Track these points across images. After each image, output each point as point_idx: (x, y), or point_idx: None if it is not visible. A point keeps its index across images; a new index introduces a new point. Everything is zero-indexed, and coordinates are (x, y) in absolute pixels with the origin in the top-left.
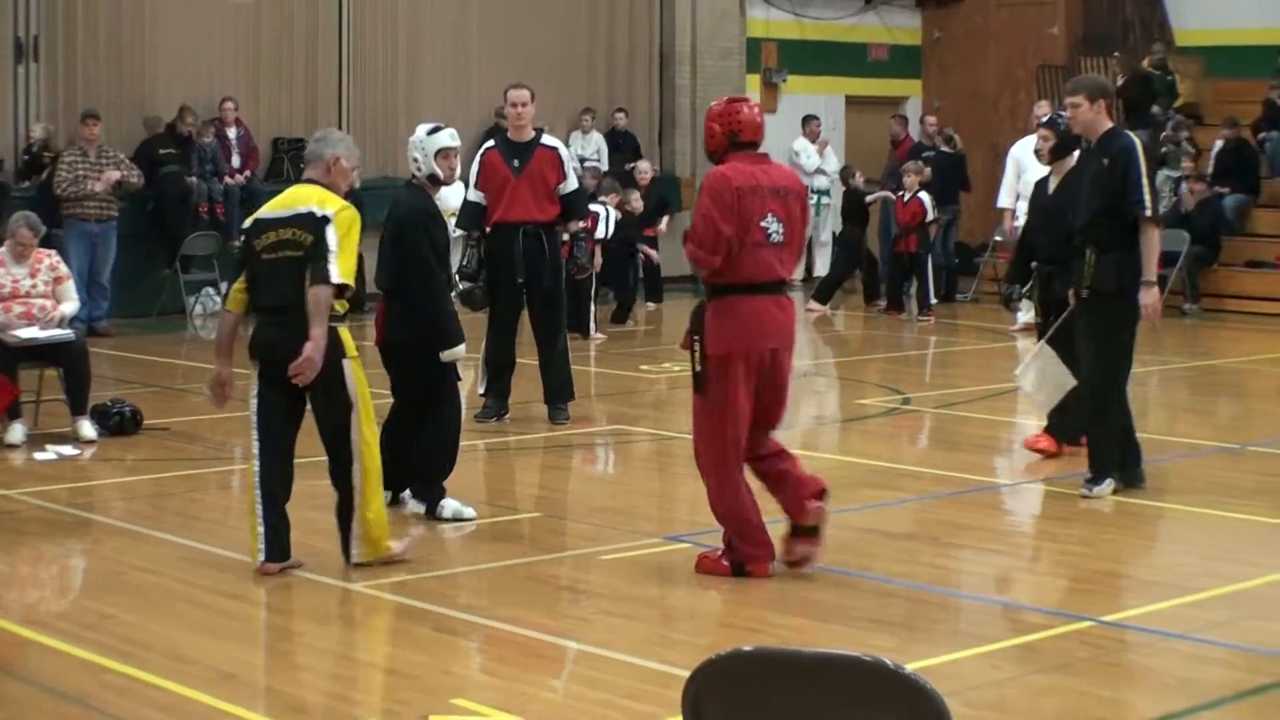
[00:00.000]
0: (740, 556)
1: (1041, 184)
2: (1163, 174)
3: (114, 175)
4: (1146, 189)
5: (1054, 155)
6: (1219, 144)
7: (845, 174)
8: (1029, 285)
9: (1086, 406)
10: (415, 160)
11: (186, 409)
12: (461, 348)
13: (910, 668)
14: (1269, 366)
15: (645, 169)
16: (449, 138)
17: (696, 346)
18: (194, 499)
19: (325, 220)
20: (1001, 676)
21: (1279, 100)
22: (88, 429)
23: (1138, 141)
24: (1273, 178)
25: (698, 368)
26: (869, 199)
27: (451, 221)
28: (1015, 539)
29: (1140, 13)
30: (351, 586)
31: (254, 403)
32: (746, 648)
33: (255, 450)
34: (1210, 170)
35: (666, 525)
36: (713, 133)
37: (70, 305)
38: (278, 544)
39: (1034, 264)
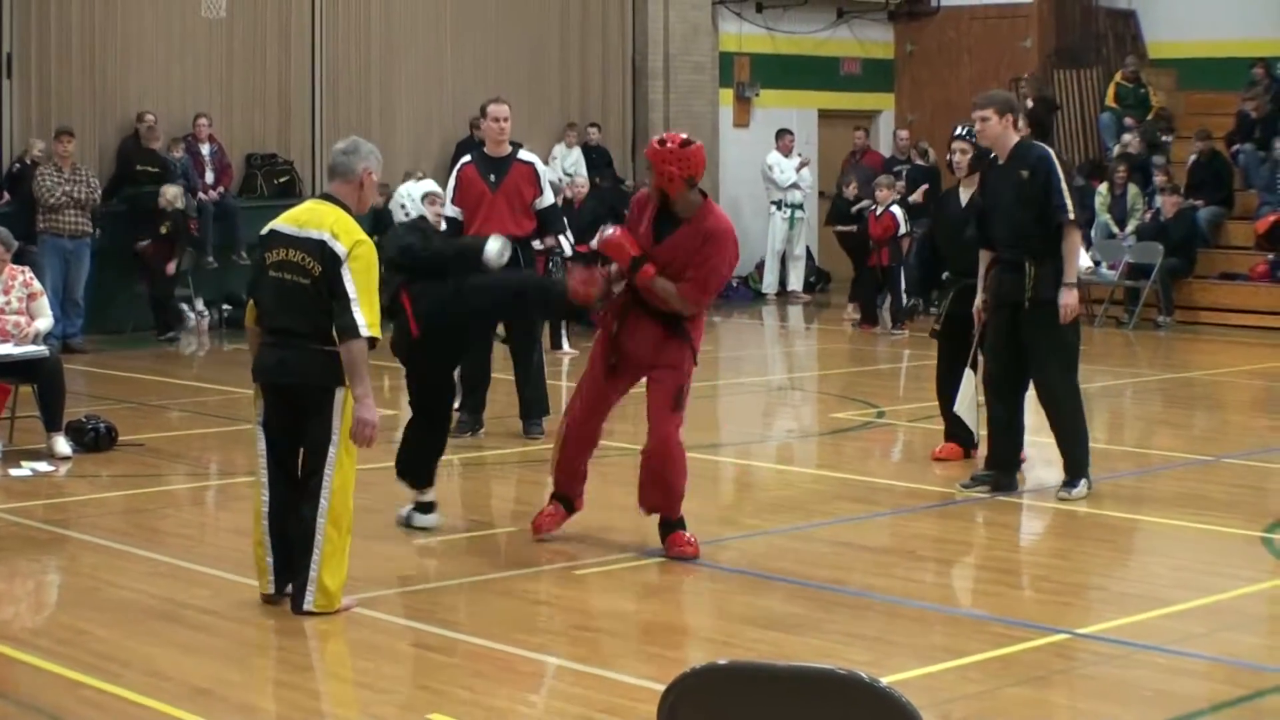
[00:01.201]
0: None
1: (949, 196)
2: (1133, 189)
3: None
4: (1067, 194)
5: (972, 168)
6: (1192, 157)
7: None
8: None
9: (1052, 413)
10: (403, 208)
11: (162, 425)
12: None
13: (885, 681)
14: (1243, 378)
15: (581, 182)
16: (433, 184)
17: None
18: (169, 515)
19: (338, 260)
20: (977, 689)
21: (1251, 112)
22: (62, 445)
23: (1050, 150)
24: (1246, 190)
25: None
26: (855, 209)
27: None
28: (990, 552)
29: (1113, 25)
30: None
31: (258, 426)
32: (722, 661)
33: (263, 480)
34: (1184, 183)
35: (643, 540)
36: (672, 176)
37: (44, 321)
38: (287, 578)
39: (945, 275)
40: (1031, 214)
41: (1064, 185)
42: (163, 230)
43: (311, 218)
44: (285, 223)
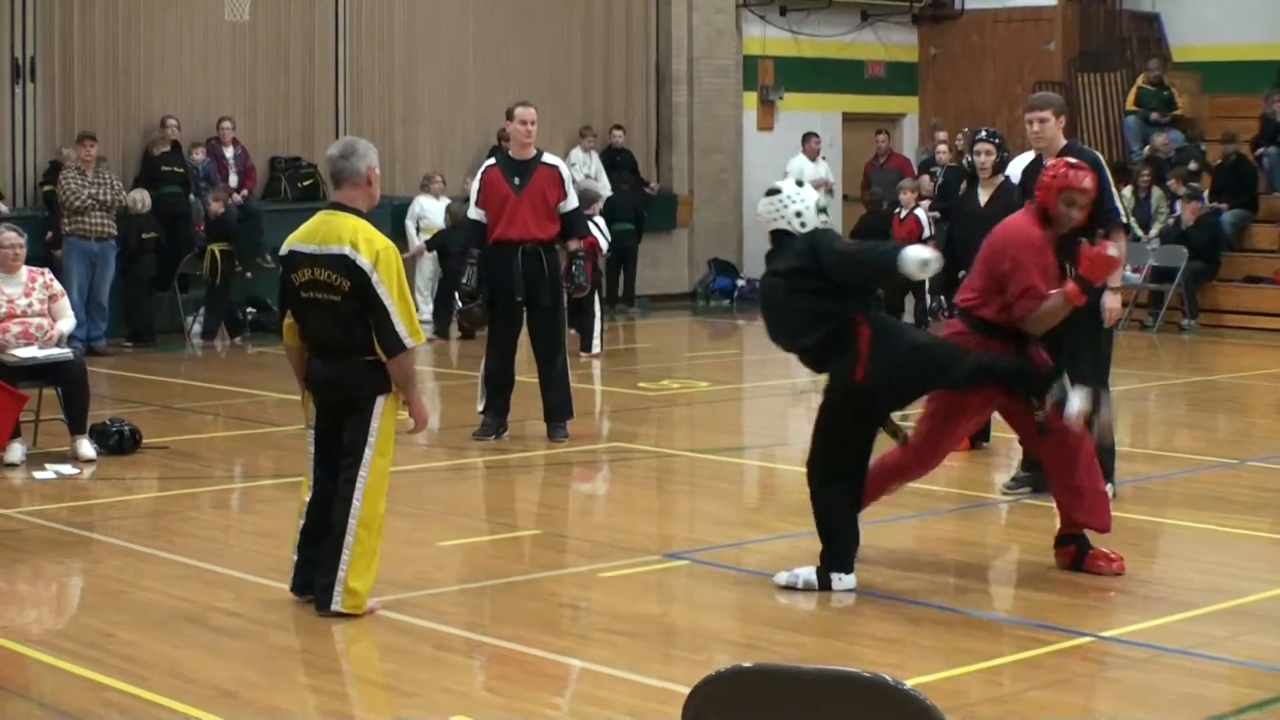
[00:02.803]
0: None
1: (970, 195)
2: (1157, 192)
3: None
4: (1118, 197)
5: (996, 169)
6: (1217, 160)
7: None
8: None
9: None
10: (799, 216)
11: (185, 428)
12: None
13: (910, 684)
14: (1267, 382)
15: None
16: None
17: None
18: (193, 518)
19: (366, 273)
20: (1002, 692)
21: (1276, 115)
22: (87, 448)
23: (1098, 153)
24: (1270, 193)
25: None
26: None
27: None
28: (1014, 555)
29: (1137, 29)
30: None
31: (310, 432)
32: (746, 664)
33: (310, 482)
34: (1208, 186)
35: (666, 543)
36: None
37: (66, 323)
38: (304, 579)
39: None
40: None
41: (1114, 189)
42: (144, 237)
43: (329, 232)
44: (302, 241)
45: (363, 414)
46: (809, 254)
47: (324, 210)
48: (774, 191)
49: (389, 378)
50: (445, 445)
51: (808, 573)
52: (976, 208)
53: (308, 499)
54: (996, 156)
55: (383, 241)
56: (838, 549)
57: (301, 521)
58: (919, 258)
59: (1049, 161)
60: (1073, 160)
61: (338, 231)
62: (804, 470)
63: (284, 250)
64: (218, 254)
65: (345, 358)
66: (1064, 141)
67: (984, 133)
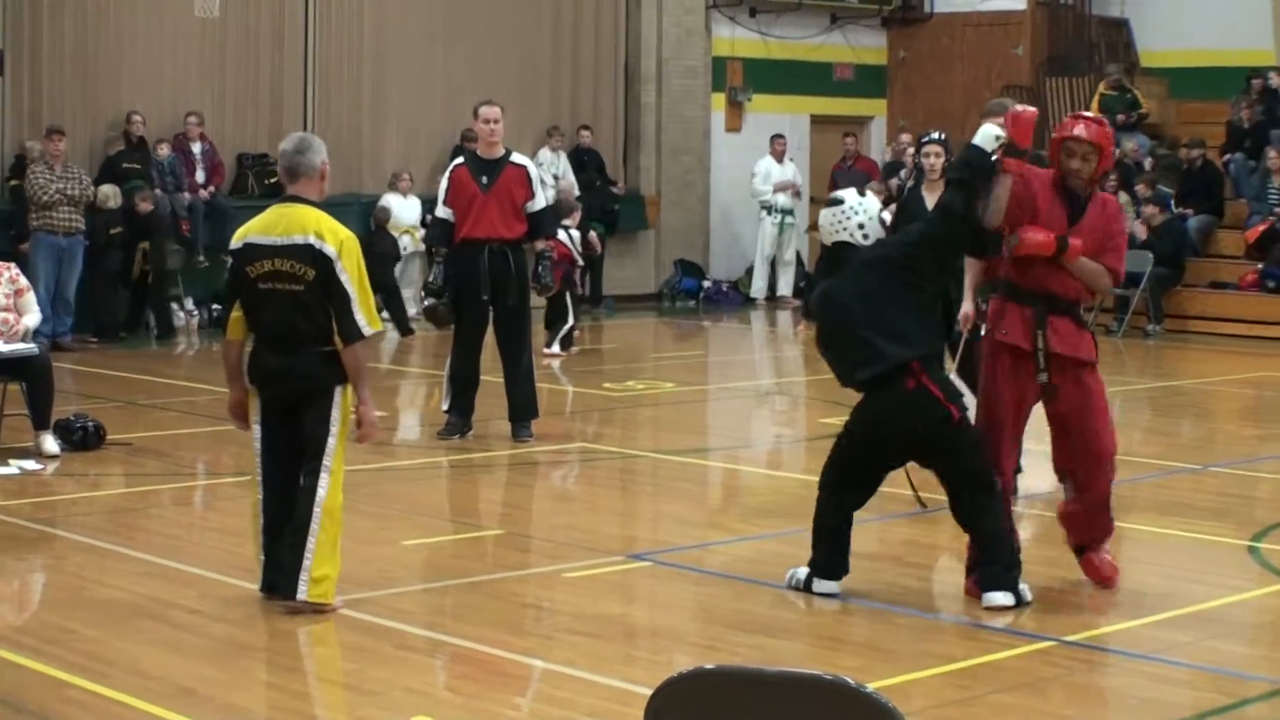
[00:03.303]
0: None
1: (913, 199)
2: (1124, 197)
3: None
4: None
5: (944, 172)
6: (1184, 165)
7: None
8: None
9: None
10: (862, 228)
11: (149, 424)
12: None
13: (872, 687)
14: (1231, 387)
15: (565, 186)
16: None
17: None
18: (156, 515)
19: (330, 261)
20: (965, 696)
21: (1243, 122)
22: (50, 444)
23: None
24: (1236, 199)
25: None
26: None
27: (405, 238)
28: None
29: (1106, 34)
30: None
31: (256, 429)
32: (708, 666)
33: (259, 479)
34: (1174, 191)
35: (629, 544)
36: (1108, 155)
37: (32, 318)
38: (274, 578)
39: None
40: None
41: None
42: (111, 232)
43: (290, 223)
44: (259, 233)
45: (322, 404)
46: (882, 264)
47: (279, 204)
48: (836, 202)
49: (340, 368)
50: (410, 444)
51: (803, 571)
52: (922, 211)
53: (261, 496)
54: (945, 159)
55: (345, 231)
56: (820, 555)
57: (261, 520)
58: (991, 133)
59: None
60: (1080, 113)
61: (300, 222)
62: (768, 472)
63: (237, 244)
64: (145, 252)
65: (303, 348)
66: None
67: (933, 135)
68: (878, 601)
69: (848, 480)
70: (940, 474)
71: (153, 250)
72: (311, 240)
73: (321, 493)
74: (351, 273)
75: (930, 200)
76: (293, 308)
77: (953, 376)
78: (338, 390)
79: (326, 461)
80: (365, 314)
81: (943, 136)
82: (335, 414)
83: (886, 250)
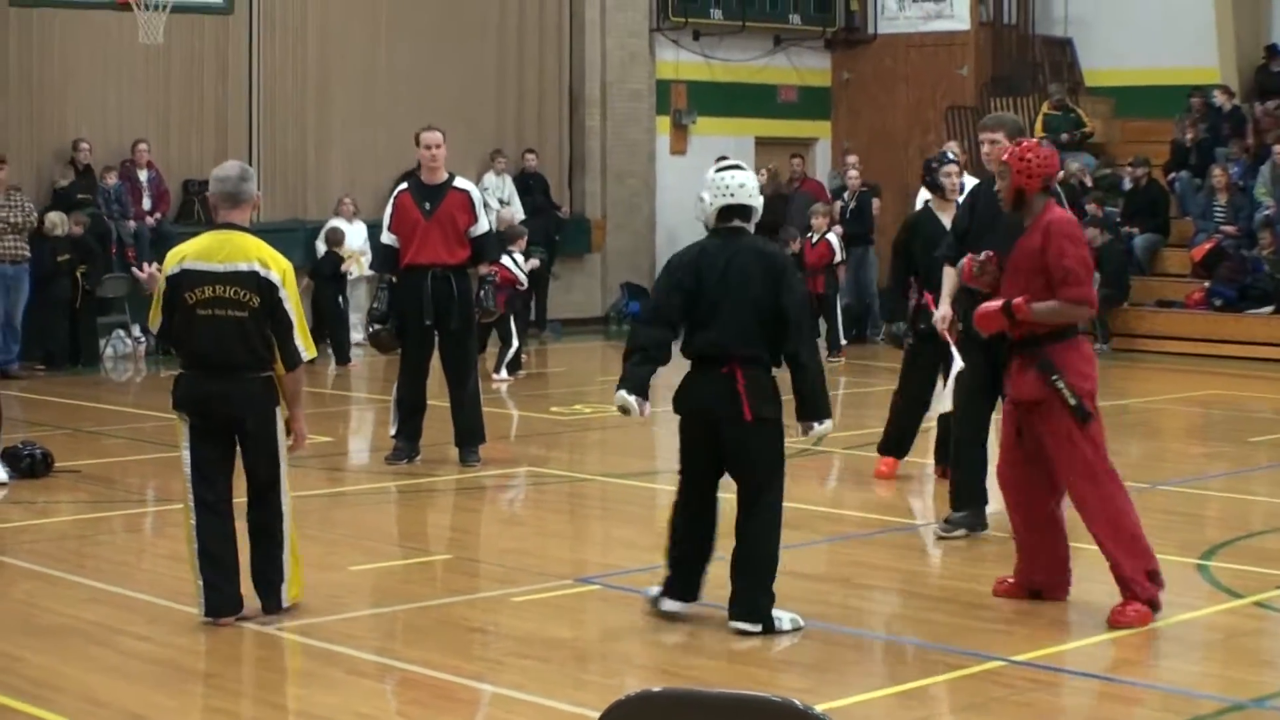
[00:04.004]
0: (1150, 593)
1: (929, 217)
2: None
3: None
4: None
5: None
6: (1129, 184)
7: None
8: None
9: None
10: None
11: (97, 451)
12: None
13: (821, 708)
14: (1179, 406)
15: (508, 212)
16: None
17: (1061, 385)
18: (105, 541)
19: (275, 288)
20: (914, 717)
21: (1187, 141)
22: None
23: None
24: (1182, 217)
25: (1073, 401)
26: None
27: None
28: (926, 579)
29: (1050, 54)
30: (263, 629)
31: (186, 455)
32: (656, 689)
33: (191, 504)
34: (1120, 210)
35: (578, 567)
36: (1031, 173)
37: None
38: (216, 600)
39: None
40: None
41: None
42: (60, 259)
43: (233, 250)
44: (198, 259)
45: (264, 428)
46: None
47: (216, 231)
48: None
49: (277, 391)
50: (357, 470)
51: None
52: (938, 230)
53: (195, 521)
54: (962, 177)
55: (284, 259)
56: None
57: (195, 545)
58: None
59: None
60: (1026, 141)
61: (243, 249)
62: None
63: (174, 268)
64: (80, 278)
65: (239, 374)
66: None
67: (950, 155)
68: (826, 623)
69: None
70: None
71: (85, 276)
72: (256, 267)
73: (284, 510)
74: (293, 299)
75: (945, 220)
76: (233, 333)
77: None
78: (276, 411)
79: (283, 483)
80: (304, 340)
81: (955, 155)
82: (279, 435)
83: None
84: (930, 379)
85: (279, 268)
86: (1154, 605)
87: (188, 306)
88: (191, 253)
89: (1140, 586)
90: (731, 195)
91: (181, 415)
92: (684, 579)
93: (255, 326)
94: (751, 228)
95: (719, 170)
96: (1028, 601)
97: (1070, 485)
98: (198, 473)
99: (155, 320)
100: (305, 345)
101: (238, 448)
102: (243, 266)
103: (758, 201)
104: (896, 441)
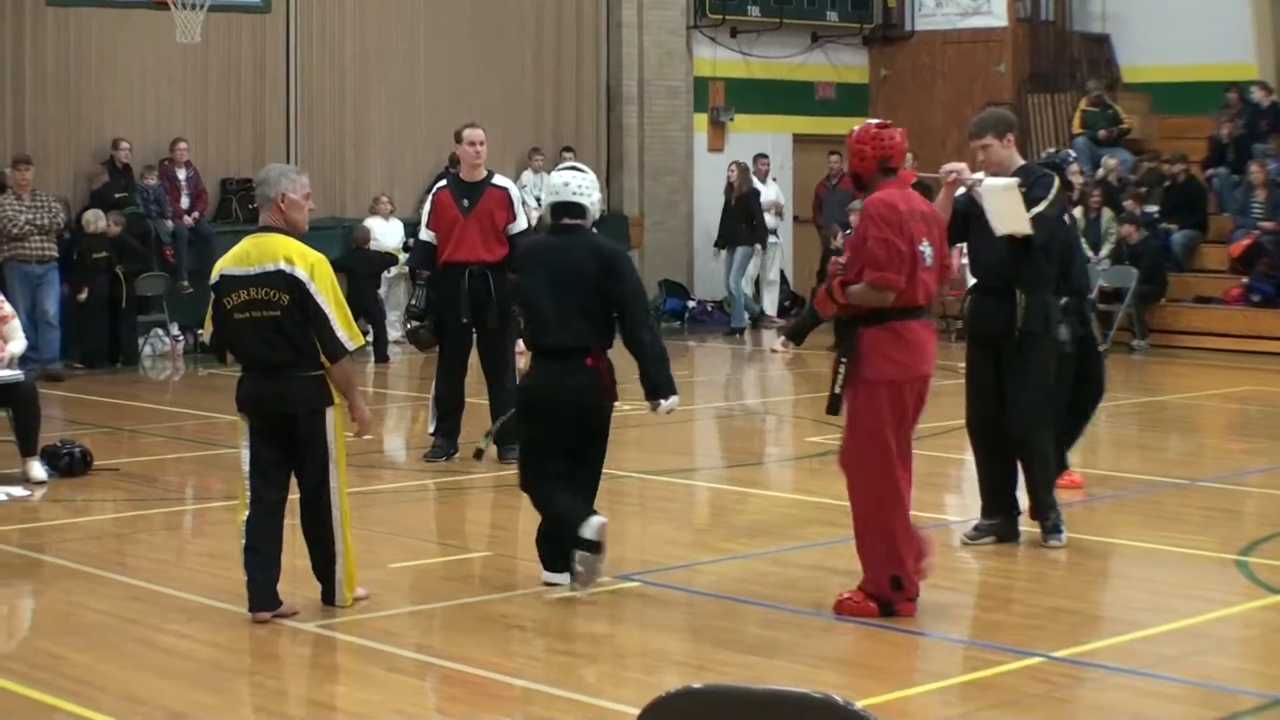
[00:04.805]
0: (885, 594)
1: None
2: (1107, 213)
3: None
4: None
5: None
6: (1167, 181)
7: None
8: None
9: (1024, 450)
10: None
11: (136, 450)
12: None
13: (860, 704)
14: (1217, 402)
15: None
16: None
17: (843, 369)
18: (144, 540)
19: (303, 283)
20: (953, 713)
21: (1224, 137)
22: (38, 470)
23: (1056, 178)
24: (1220, 214)
25: (837, 390)
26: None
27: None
28: (964, 575)
29: (1087, 51)
30: (302, 626)
31: (246, 454)
32: (696, 685)
33: (247, 500)
34: (1158, 206)
35: (616, 564)
36: (863, 155)
37: (17, 344)
38: (260, 595)
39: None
40: (1023, 241)
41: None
42: (97, 257)
43: (261, 251)
44: (232, 265)
45: (316, 429)
46: None
47: (251, 236)
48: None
49: (330, 390)
50: (396, 467)
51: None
52: (1071, 230)
53: (246, 516)
54: None
55: (314, 254)
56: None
57: (244, 541)
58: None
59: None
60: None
61: (270, 251)
62: (755, 492)
63: (215, 277)
64: (122, 277)
65: (289, 373)
66: (1019, 162)
67: (1070, 155)
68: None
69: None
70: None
71: (124, 275)
72: (282, 266)
73: (337, 512)
74: (326, 292)
75: (1069, 219)
76: (272, 333)
77: None
78: (329, 411)
79: (333, 483)
80: (345, 330)
81: (1076, 155)
82: (330, 435)
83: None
84: (1071, 383)
85: (306, 263)
86: (885, 606)
87: (227, 312)
88: (229, 260)
89: (875, 585)
90: (556, 194)
91: (242, 415)
92: (556, 552)
93: (291, 324)
94: (588, 223)
95: (555, 171)
96: (1064, 597)
97: (844, 471)
98: (256, 471)
99: (207, 331)
100: (349, 335)
101: (295, 447)
102: (270, 267)
103: (588, 199)
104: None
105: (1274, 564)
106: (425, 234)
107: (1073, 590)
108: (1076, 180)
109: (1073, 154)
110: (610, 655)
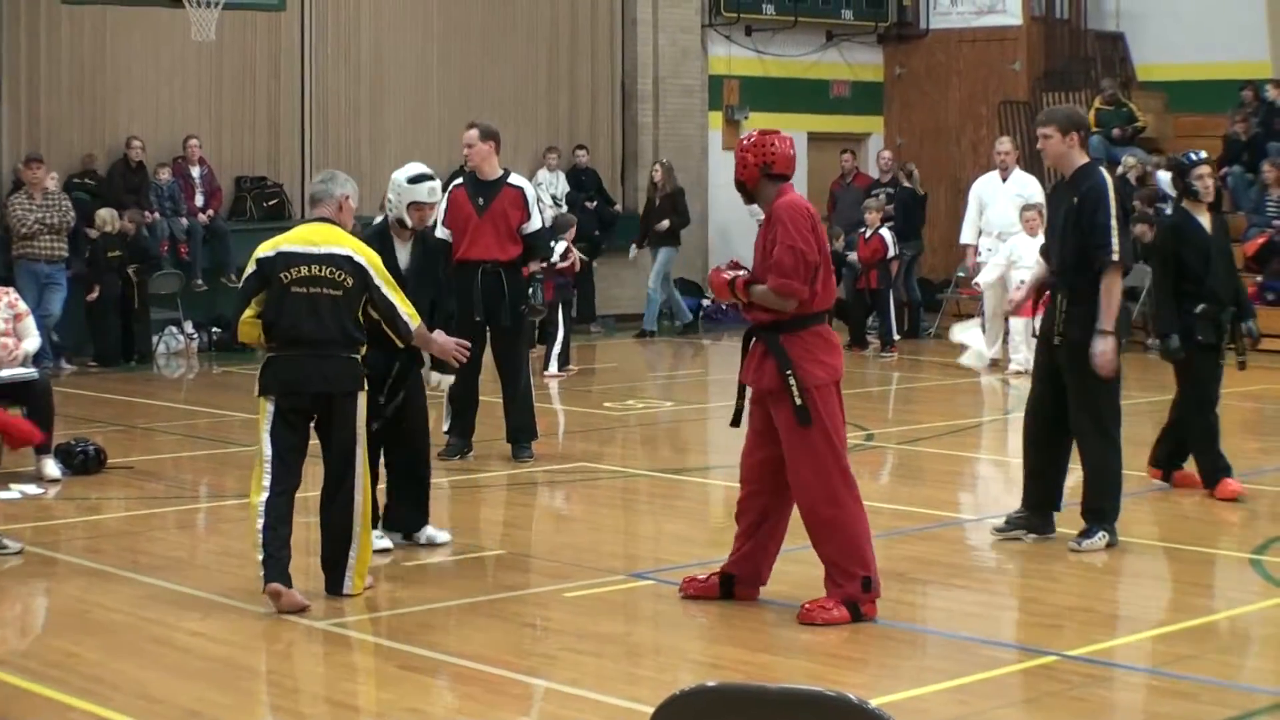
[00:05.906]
0: (855, 596)
1: (1188, 223)
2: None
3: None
4: (1115, 232)
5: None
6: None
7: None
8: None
9: (1082, 457)
10: (390, 200)
11: (150, 448)
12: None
13: (875, 703)
14: (1232, 400)
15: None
16: (427, 193)
17: (793, 380)
18: (159, 538)
19: (368, 273)
20: (968, 711)
21: (1240, 135)
22: (51, 468)
23: (1109, 180)
24: (1234, 212)
25: (799, 401)
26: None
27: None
28: (980, 574)
29: (1102, 49)
30: (316, 624)
31: (266, 438)
32: (711, 683)
33: (266, 483)
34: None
35: (631, 562)
36: (745, 163)
37: (31, 342)
38: (275, 569)
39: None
40: (1073, 245)
41: (1112, 222)
42: (110, 256)
43: (326, 236)
44: (295, 243)
45: (347, 412)
46: None
47: (307, 224)
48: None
49: (363, 374)
50: None
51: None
52: (1204, 234)
53: (264, 498)
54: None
55: (368, 249)
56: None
57: (262, 520)
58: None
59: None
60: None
61: (337, 237)
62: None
63: (268, 252)
64: (132, 275)
65: (331, 350)
66: (1082, 160)
67: (1201, 155)
68: (880, 618)
69: None
70: None
71: (138, 272)
72: (350, 252)
73: (358, 500)
74: (386, 284)
75: (1204, 222)
76: (329, 310)
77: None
78: (360, 397)
79: (357, 469)
80: (408, 312)
81: (1206, 156)
82: (359, 421)
83: None
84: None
85: (369, 258)
86: (855, 611)
87: (282, 285)
88: (287, 239)
89: (844, 591)
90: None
91: (268, 398)
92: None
93: (347, 306)
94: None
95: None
96: (1077, 597)
97: (794, 479)
98: (277, 456)
99: (251, 312)
100: (410, 316)
101: (315, 432)
102: (338, 250)
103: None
104: (1166, 458)
105: None
106: (440, 231)
107: (1087, 588)
108: (1205, 184)
109: (1203, 154)
110: (624, 653)
